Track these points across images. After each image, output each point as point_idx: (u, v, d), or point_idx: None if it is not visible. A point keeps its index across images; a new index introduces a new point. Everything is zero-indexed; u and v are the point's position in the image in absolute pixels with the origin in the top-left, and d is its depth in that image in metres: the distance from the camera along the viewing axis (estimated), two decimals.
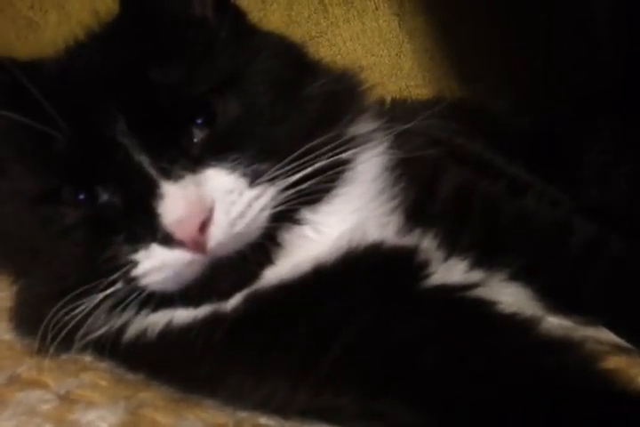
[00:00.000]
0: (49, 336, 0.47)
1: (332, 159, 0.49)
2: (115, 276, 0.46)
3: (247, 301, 0.47)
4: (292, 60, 0.55)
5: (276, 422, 0.45)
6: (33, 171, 0.49)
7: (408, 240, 0.50)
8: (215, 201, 0.45)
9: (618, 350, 0.48)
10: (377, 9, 0.99)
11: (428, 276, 0.48)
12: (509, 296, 0.49)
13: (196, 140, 0.48)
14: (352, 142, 0.52)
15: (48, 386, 0.47)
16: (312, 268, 0.48)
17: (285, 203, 0.48)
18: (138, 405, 0.45)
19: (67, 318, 0.46)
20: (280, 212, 0.48)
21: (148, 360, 0.49)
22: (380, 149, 0.54)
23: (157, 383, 0.49)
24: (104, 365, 0.51)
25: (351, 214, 0.51)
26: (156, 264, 0.45)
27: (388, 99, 0.84)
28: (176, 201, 0.44)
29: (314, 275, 0.48)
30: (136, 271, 0.46)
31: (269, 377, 0.46)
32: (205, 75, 0.49)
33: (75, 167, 0.48)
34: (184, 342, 0.47)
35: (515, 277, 0.50)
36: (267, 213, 0.47)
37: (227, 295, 0.48)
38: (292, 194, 0.48)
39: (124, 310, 0.47)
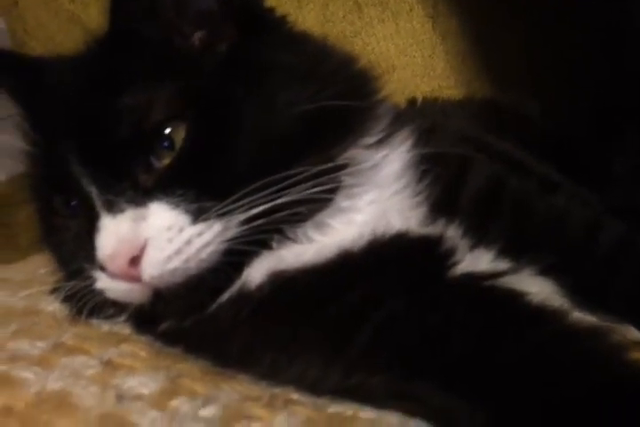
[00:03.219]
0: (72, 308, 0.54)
1: (306, 193, 0.47)
2: (85, 284, 0.50)
3: (272, 281, 0.49)
4: (302, 71, 0.52)
5: (308, 398, 0.47)
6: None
7: (432, 230, 0.51)
8: (149, 238, 0.46)
9: None
10: (411, 10, 1.01)
11: (454, 264, 0.49)
12: (537, 288, 0.50)
13: (154, 169, 0.48)
14: (348, 166, 0.50)
15: (90, 353, 0.49)
16: (337, 253, 0.49)
17: (241, 238, 0.47)
18: (176, 375, 0.47)
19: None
20: (243, 242, 0.47)
21: (183, 337, 0.51)
22: (405, 146, 0.54)
23: (193, 357, 0.51)
24: (143, 338, 0.53)
25: (373, 207, 0.52)
26: (104, 286, 0.49)
27: (420, 98, 0.86)
28: (108, 237, 0.46)
29: (340, 260, 0.49)
30: (96, 285, 0.49)
31: (301, 356, 0.48)
32: (175, 98, 0.48)
33: (54, 181, 0.52)
34: (214, 319, 0.49)
35: (543, 272, 0.51)
36: (211, 248, 0.46)
37: (181, 316, 0.50)
38: (248, 229, 0.47)
39: None
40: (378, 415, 0.46)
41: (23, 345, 0.49)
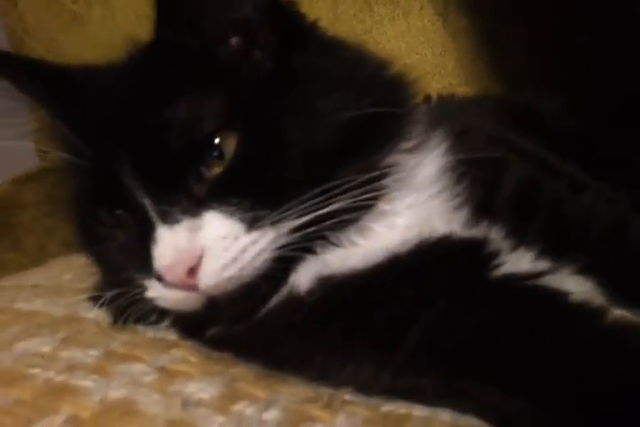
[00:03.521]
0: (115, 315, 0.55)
1: (354, 200, 0.48)
2: (133, 293, 0.51)
3: (322, 285, 0.50)
4: (341, 79, 0.53)
5: (361, 398, 0.48)
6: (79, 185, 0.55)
7: (476, 232, 0.52)
8: (206, 247, 0.46)
9: None
10: (422, 8, 1.02)
11: (498, 265, 0.50)
12: (576, 287, 0.51)
13: (204, 179, 0.48)
14: (391, 173, 0.52)
15: (144, 360, 0.50)
16: (386, 257, 0.50)
17: (291, 245, 0.48)
18: (232, 379, 0.48)
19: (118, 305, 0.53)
20: (292, 249, 0.48)
21: (232, 342, 0.52)
22: (440, 150, 0.55)
23: (243, 361, 0.52)
24: (190, 343, 0.54)
25: (412, 211, 0.53)
26: (157, 295, 0.49)
27: (434, 96, 0.86)
28: (166, 247, 0.47)
29: (389, 263, 0.50)
30: (146, 294, 0.50)
31: (353, 359, 0.49)
32: (225, 108, 0.49)
33: (100, 192, 0.52)
34: (264, 323, 0.50)
35: (581, 271, 0.52)
36: (265, 256, 0.48)
37: (232, 322, 0.51)
38: (301, 236, 0.48)
39: None
40: (430, 413, 0.47)
41: (76, 354, 0.50)
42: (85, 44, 1.26)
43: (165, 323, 0.56)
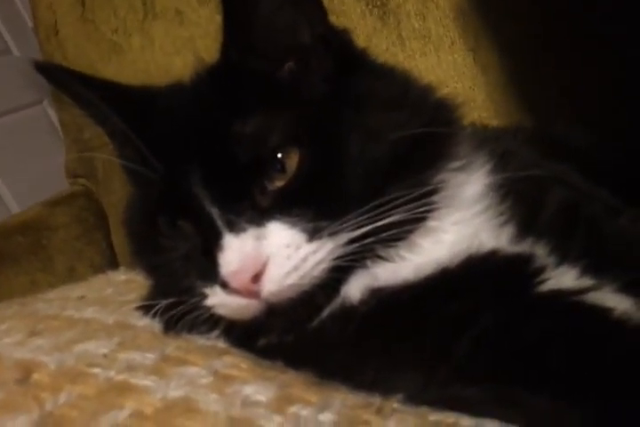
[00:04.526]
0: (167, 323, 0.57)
1: (408, 213, 0.50)
2: (193, 301, 0.53)
3: (374, 296, 0.52)
4: (392, 101, 0.56)
5: (410, 407, 0.49)
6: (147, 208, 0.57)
7: (522, 248, 0.54)
8: (270, 255, 0.49)
9: None
10: (453, 44, 1.05)
11: (544, 281, 0.52)
12: (618, 304, 0.53)
13: (268, 190, 0.51)
14: (440, 189, 0.54)
15: (198, 364, 0.51)
16: (436, 270, 0.52)
17: (347, 256, 0.50)
18: (285, 384, 0.50)
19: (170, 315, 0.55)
20: (347, 260, 0.50)
21: (284, 351, 0.54)
22: (484, 171, 0.58)
23: (294, 370, 0.53)
24: (240, 351, 0.56)
25: (458, 228, 0.55)
26: (218, 302, 0.51)
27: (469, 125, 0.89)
28: (233, 254, 0.49)
29: (439, 276, 0.52)
30: (206, 302, 0.52)
31: (402, 369, 0.50)
32: (288, 126, 0.52)
33: (166, 204, 0.55)
34: (318, 333, 0.52)
35: (622, 289, 0.54)
36: (323, 266, 0.50)
37: (283, 332, 0.52)
38: (356, 247, 0.50)
39: None
40: (477, 423, 0.48)
41: (134, 356, 0.51)
42: (124, 73, 1.31)
43: (216, 332, 0.57)
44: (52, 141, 1.58)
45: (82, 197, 1.47)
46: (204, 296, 0.52)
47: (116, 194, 1.36)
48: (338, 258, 0.50)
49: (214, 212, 0.50)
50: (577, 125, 0.91)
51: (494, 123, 1.02)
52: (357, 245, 0.50)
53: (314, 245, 0.49)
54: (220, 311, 0.52)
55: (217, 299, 0.51)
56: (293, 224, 0.50)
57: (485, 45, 1.03)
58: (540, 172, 0.59)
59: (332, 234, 0.50)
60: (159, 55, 1.29)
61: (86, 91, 0.58)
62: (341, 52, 0.58)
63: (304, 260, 0.49)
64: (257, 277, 0.48)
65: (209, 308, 0.52)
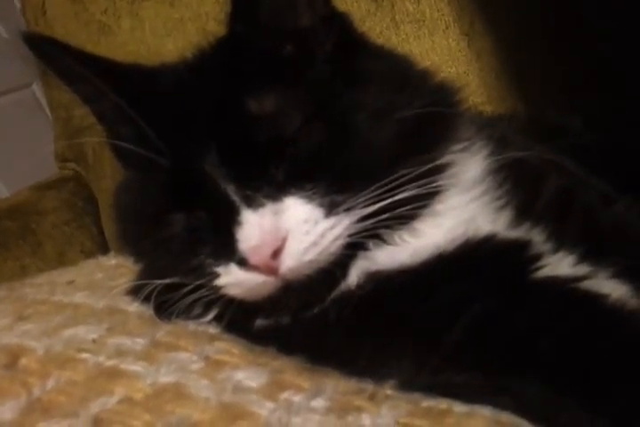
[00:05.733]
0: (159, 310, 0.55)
1: (420, 189, 0.51)
2: (200, 281, 0.51)
3: (371, 281, 0.51)
4: (394, 82, 0.56)
5: (402, 393, 0.49)
6: (146, 189, 0.55)
7: (519, 233, 0.53)
8: (289, 230, 0.48)
9: None
10: (447, 28, 1.04)
11: (541, 267, 0.52)
12: (613, 291, 0.53)
13: (283, 166, 0.50)
14: (447, 168, 0.54)
15: (189, 350, 0.51)
16: (433, 254, 0.52)
17: (361, 233, 0.50)
18: (277, 370, 0.49)
19: (165, 298, 0.54)
20: (361, 237, 0.50)
21: (278, 335, 0.53)
22: (483, 154, 0.58)
23: (286, 355, 0.53)
24: (232, 337, 0.55)
25: (456, 211, 0.54)
26: (233, 280, 0.50)
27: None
28: (253, 229, 0.48)
29: (436, 260, 0.52)
30: (217, 282, 0.51)
31: (395, 355, 0.50)
32: (301, 103, 0.52)
33: (175, 191, 0.53)
34: (317, 316, 0.51)
35: (617, 275, 0.54)
36: (340, 242, 0.50)
37: (296, 311, 0.52)
38: (371, 224, 0.50)
39: None
40: (471, 409, 0.48)
41: (124, 341, 0.51)
42: (114, 55, 1.27)
43: (210, 316, 0.56)
44: (41, 125, 1.56)
45: (71, 182, 1.45)
46: (215, 276, 0.50)
47: (107, 179, 1.35)
48: (353, 234, 0.50)
49: (230, 189, 0.49)
50: (570, 112, 0.90)
51: (487, 108, 1.01)
52: (373, 221, 0.50)
53: (331, 220, 0.49)
54: (232, 291, 0.51)
55: (231, 277, 0.50)
56: (310, 199, 0.49)
57: (480, 30, 1.02)
58: (537, 153, 0.59)
59: (348, 210, 0.49)
60: (150, 37, 1.27)
61: (79, 66, 0.55)
62: (342, 35, 0.58)
63: (322, 235, 0.48)
64: (276, 254, 0.47)
65: (218, 288, 0.51)
